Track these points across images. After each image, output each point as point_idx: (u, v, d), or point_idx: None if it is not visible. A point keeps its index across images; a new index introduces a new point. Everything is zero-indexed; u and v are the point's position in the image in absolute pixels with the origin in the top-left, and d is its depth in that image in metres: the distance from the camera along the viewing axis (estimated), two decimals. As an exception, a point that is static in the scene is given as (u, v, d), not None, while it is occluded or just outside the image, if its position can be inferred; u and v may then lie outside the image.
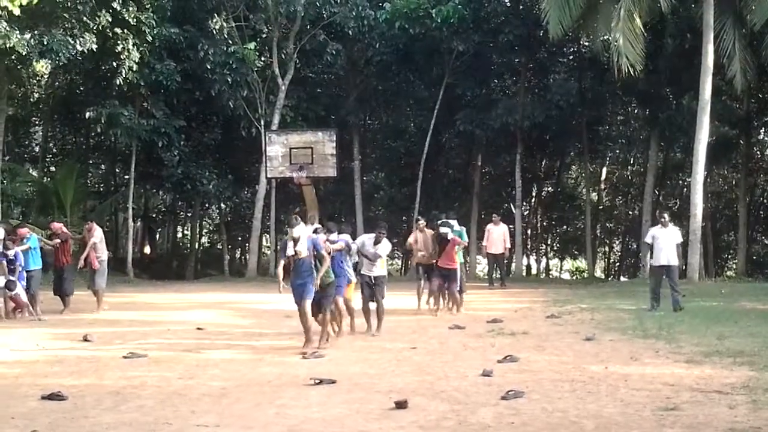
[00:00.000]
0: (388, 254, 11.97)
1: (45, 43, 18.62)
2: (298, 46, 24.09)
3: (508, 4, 24.52)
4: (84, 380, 7.88)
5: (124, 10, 19.87)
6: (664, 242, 13.00)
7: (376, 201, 30.33)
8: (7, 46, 17.29)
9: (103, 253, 14.14)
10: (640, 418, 6.14)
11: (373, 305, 11.36)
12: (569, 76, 27.72)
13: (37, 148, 29.25)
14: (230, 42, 22.58)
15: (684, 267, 24.07)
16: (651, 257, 13.55)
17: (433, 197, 28.43)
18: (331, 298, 10.14)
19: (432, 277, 13.40)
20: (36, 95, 27.25)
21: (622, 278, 29.98)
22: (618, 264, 34.07)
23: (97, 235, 14.02)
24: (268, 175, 22.14)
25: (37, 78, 25.90)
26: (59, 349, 9.88)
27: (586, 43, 25.18)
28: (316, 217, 18.07)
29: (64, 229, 14.39)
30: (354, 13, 23.20)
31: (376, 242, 11.35)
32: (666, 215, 13.65)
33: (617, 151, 32.98)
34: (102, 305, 14.04)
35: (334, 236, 10.68)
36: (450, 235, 12.97)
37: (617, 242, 34.83)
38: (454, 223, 13.60)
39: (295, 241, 9.65)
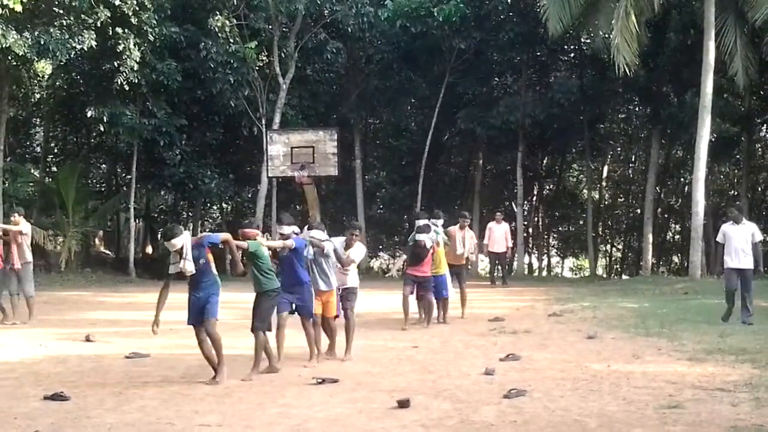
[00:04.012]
0: (361, 260, 9.88)
1: (42, 43, 18.57)
2: (298, 44, 24.07)
3: (509, 2, 24.49)
4: (86, 380, 7.88)
5: (124, 3, 19.78)
6: (738, 241, 11.55)
7: (377, 200, 30.31)
8: (3, 46, 17.22)
9: (28, 254, 12.80)
10: (642, 416, 6.14)
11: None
12: (570, 74, 27.71)
13: (38, 149, 29.22)
14: (231, 41, 22.56)
15: (686, 264, 24.06)
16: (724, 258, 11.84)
17: (434, 196, 28.44)
18: (270, 311, 8.60)
19: (405, 283, 11.84)
20: (37, 95, 27.23)
21: (624, 276, 29.96)
22: (620, 262, 34.05)
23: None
24: (270, 175, 22.14)
25: (38, 78, 25.86)
26: (61, 349, 9.87)
27: (587, 41, 25.15)
28: (317, 217, 18.08)
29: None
30: (353, 11, 23.19)
31: (347, 246, 9.48)
32: (735, 210, 12.09)
33: (619, 149, 33.05)
34: (33, 313, 12.72)
35: (286, 230, 8.94)
36: (429, 244, 11.45)
37: (619, 240, 34.81)
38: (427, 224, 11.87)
39: (179, 253, 7.93)
